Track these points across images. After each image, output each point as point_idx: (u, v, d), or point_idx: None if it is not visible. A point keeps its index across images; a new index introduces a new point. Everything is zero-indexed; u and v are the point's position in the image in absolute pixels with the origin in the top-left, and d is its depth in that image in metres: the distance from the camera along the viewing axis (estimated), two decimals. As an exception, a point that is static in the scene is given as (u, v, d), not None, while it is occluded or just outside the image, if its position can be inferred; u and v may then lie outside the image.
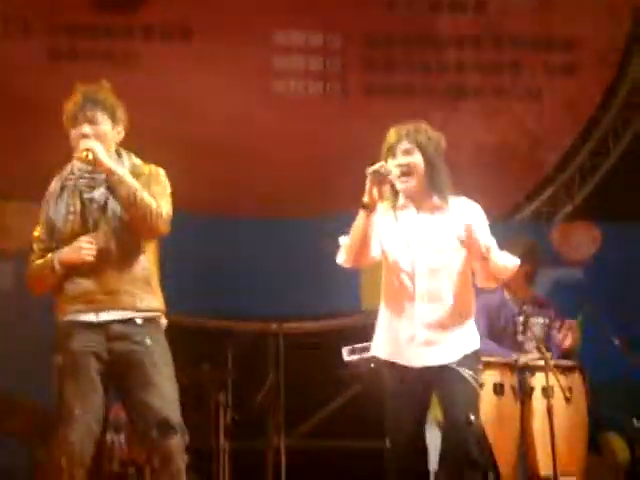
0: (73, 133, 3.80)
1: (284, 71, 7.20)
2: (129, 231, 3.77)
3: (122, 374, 3.71)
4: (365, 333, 5.20)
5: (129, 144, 3.95)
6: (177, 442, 3.66)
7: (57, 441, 3.62)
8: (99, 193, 3.79)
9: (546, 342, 5.12)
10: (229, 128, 6.72)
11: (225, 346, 5.63)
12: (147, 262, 3.83)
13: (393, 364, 4.01)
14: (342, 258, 4.03)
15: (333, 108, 7.15)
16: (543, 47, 7.43)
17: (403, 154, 3.96)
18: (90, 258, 3.71)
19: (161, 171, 3.91)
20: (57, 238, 3.79)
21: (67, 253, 3.75)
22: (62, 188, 3.84)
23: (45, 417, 5.24)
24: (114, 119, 3.85)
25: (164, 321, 3.86)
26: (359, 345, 5.24)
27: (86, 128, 3.78)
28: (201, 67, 6.79)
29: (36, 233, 3.87)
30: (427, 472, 4.17)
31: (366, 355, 5.17)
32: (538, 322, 5.21)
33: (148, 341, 3.74)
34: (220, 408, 5.33)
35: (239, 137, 6.72)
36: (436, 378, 3.95)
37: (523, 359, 4.95)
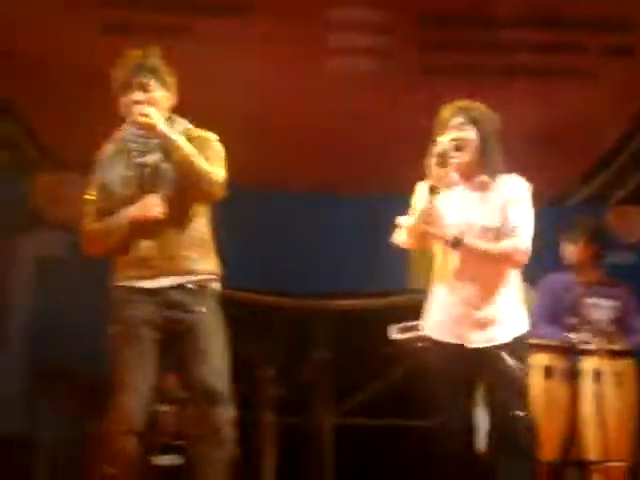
0: (125, 100, 3.81)
1: (338, 48, 7.16)
2: (184, 196, 3.78)
3: (175, 342, 3.73)
4: (412, 312, 5.19)
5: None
6: (224, 412, 3.67)
7: (111, 408, 3.65)
8: (152, 158, 3.80)
9: (616, 325, 5.06)
10: (282, 105, 6.71)
11: (274, 322, 5.65)
12: (202, 226, 3.86)
13: (444, 343, 4.00)
14: (402, 239, 4.01)
15: (387, 87, 7.10)
16: (600, 28, 7.31)
17: (457, 129, 3.94)
18: (160, 215, 3.72)
19: (213, 136, 3.91)
20: (114, 202, 3.80)
21: (136, 209, 3.75)
22: (115, 152, 3.85)
23: (97, 388, 5.30)
24: (165, 85, 3.86)
25: (218, 285, 3.86)
26: (407, 324, 5.22)
27: (139, 95, 3.78)
28: (254, 43, 6.77)
29: (89, 197, 3.88)
30: (475, 453, 4.16)
31: (414, 334, 5.17)
32: (606, 305, 5.15)
33: (202, 309, 3.76)
34: (267, 383, 5.35)
35: (292, 114, 6.71)
36: (484, 362, 3.93)
37: (574, 341, 4.91)
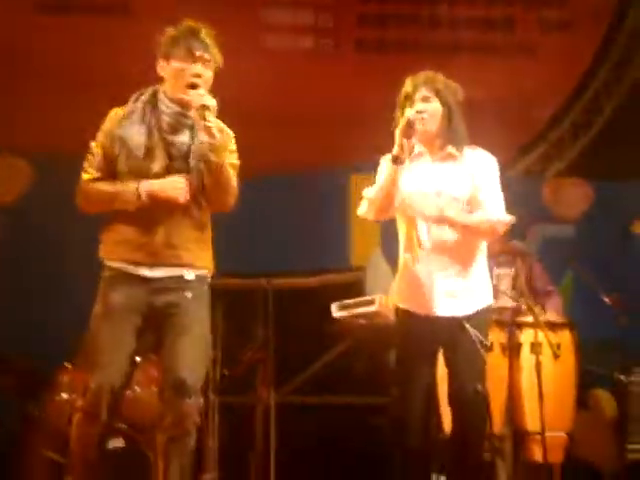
0: (178, 65, 3.61)
1: (274, 25, 7.12)
2: (199, 188, 3.66)
3: (156, 329, 3.68)
4: (354, 289, 5.21)
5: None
6: (190, 404, 3.63)
7: (81, 389, 3.62)
8: (182, 139, 3.65)
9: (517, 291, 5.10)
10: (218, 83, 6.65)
11: (214, 302, 5.62)
12: (207, 221, 3.76)
13: (408, 312, 4.03)
14: (364, 210, 4.02)
15: (324, 64, 7.08)
16: (537, 3, 7.36)
17: (422, 101, 3.95)
18: (183, 200, 3.59)
19: (232, 133, 3.80)
20: (131, 165, 3.62)
21: (160, 186, 3.59)
22: (138, 115, 3.64)
23: (36, 373, 5.26)
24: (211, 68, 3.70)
25: (209, 279, 3.79)
26: (348, 301, 5.24)
27: (199, 68, 3.61)
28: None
29: (98, 149, 3.68)
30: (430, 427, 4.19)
31: (356, 311, 5.19)
32: (507, 273, 5.20)
33: (189, 297, 3.67)
34: (209, 364, 5.34)
35: (228, 93, 6.66)
36: (449, 332, 3.96)
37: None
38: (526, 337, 4.87)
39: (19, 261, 5.93)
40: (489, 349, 4.48)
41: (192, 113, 3.63)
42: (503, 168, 7.04)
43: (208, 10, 6.65)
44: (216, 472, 5.24)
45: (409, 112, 3.91)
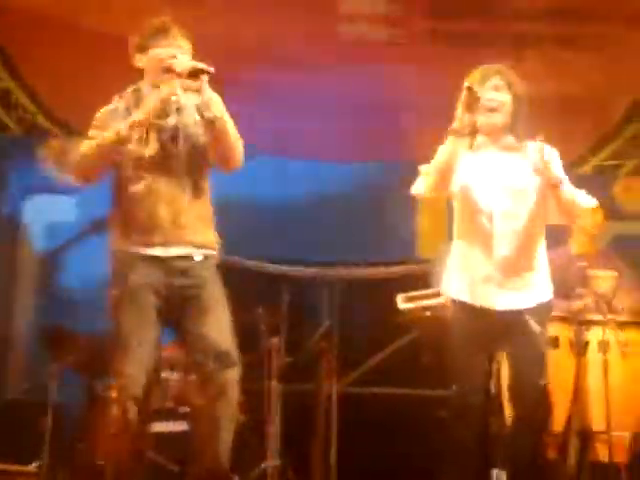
0: (156, 52, 3.77)
1: (350, 15, 7.11)
2: (199, 166, 3.78)
3: (179, 308, 3.73)
4: (420, 281, 5.19)
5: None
6: (233, 373, 3.70)
7: (114, 374, 3.66)
8: (171, 121, 3.78)
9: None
10: (291, 70, 6.68)
11: (280, 290, 5.65)
12: (208, 200, 3.85)
13: (466, 304, 3.98)
14: (420, 186, 3.99)
15: (398, 54, 7.06)
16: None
17: (493, 89, 3.92)
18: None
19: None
20: (124, 152, 3.72)
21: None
22: (125, 107, 3.79)
23: (103, 350, 5.32)
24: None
25: (217, 255, 3.87)
26: (415, 293, 5.22)
27: (176, 50, 3.75)
28: (265, 8, 6.74)
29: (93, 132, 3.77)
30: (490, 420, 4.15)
31: (421, 303, 5.17)
32: (608, 275, 5.13)
33: (206, 275, 3.76)
34: (273, 351, 5.36)
35: (303, 79, 6.69)
36: (510, 325, 3.90)
37: (576, 308, 4.90)
38: (594, 335, 4.82)
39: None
40: (554, 344, 4.46)
41: (177, 94, 3.75)
42: (575, 165, 7.06)
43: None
44: (278, 459, 5.25)
45: (480, 91, 3.84)
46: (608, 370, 4.66)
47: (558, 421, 4.72)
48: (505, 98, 3.94)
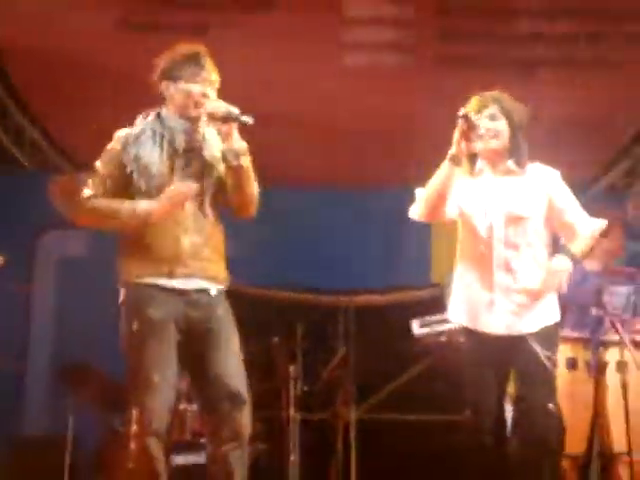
0: (186, 86, 3.72)
1: (356, 43, 7.14)
2: (220, 197, 3.76)
3: (195, 343, 3.69)
4: (435, 306, 5.18)
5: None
6: (246, 413, 3.66)
7: (134, 408, 3.59)
8: (195, 153, 3.74)
9: (633, 312, 5.02)
10: (297, 100, 6.70)
11: (295, 318, 5.65)
12: (222, 231, 3.82)
13: (472, 331, 3.97)
14: (416, 211, 4.00)
15: (406, 80, 7.08)
16: (622, 17, 7.25)
17: (489, 118, 3.94)
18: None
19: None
20: (147, 182, 3.68)
21: (158, 204, 3.63)
22: (149, 134, 3.74)
23: (118, 386, 5.31)
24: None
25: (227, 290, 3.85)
26: (429, 318, 5.21)
27: (205, 88, 3.72)
28: (270, 38, 6.77)
29: (104, 169, 3.74)
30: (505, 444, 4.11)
31: (436, 328, 5.15)
32: (620, 292, 5.10)
33: (220, 309, 3.73)
34: (290, 380, 5.35)
35: (308, 109, 6.70)
36: (514, 350, 3.89)
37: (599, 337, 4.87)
38: (612, 355, 4.78)
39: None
40: (572, 366, 4.43)
41: (202, 127, 3.74)
42: (587, 184, 7.05)
43: (290, 31, 6.81)
44: (297, 488, 5.24)
45: (477, 118, 3.88)
46: (627, 390, 4.62)
47: (578, 443, 4.69)
48: (502, 127, 3.95)
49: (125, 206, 3.66)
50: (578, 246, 3.96)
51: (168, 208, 3.64)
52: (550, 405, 3.86)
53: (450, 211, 3.98)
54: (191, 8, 6.97)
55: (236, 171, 3.69)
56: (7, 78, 7.00)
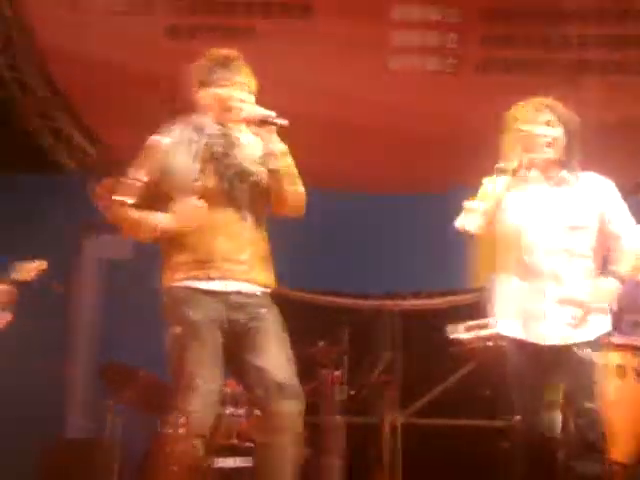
0: (220, 91, 3.73)
1: (401, 47, 7.14)
2: (261, 200, 3.75)
3: (238, 343, 3.70)
4: (480, 310, 5.15)
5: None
6: (294, 406, 3.63)
7: (177, 411, 3.59)
8: (233, 158, 3.73)
9: None
10: (344, 104, 6.71)
11: (341, 323, 5.65)
12: (266, 236, 3.82)
13: (521, 342, 3.92)
14: (467, 223, 3.94)
15: (449, 84, 7.06)
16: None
17: (545, 124, 3.91)
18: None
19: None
20: (184, 188, 3.67)
21: (177, 220, 3.64)
22: (184, 141, 3.74)
23: (161, 387, 5.33)
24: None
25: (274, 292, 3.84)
26: (474, 322, 5.18)
27: (243, 94, 3.72)
28: (318, 43, 6.79)
29: (138, 175, 3.72)
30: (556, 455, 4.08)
31: (479, 332, 5.12)
32: None
33: (264, 310, 3.72)
34: (335, 384, 5.35)
35: (354, 113, 6.71)
36: (565, 358, 3.85)
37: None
38: (660, 362, 4.74)
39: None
40: (621, 374, 4.39)
41: (236, 131, 3.74)
42: (633, 190, 6.98)
43: (334, 35, 6.83)
44: (342, 493, 5.24)
45: (534, 128, 3.85)
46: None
47: (628, 451, 4.64)
48: (558, 133, 3.90)
49: (148, 221, 3.68)
50: (625, 266, 3.90)
51: (184, 224, 3.65)
52: (591, 405, 3.82)
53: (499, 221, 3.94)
54: (236, 13, 7.02)
55: (277, 173, 3.70)
56: (53, 82, 7.07)
